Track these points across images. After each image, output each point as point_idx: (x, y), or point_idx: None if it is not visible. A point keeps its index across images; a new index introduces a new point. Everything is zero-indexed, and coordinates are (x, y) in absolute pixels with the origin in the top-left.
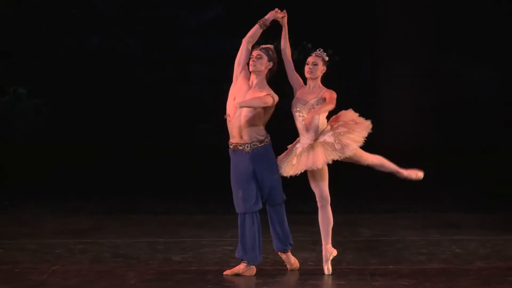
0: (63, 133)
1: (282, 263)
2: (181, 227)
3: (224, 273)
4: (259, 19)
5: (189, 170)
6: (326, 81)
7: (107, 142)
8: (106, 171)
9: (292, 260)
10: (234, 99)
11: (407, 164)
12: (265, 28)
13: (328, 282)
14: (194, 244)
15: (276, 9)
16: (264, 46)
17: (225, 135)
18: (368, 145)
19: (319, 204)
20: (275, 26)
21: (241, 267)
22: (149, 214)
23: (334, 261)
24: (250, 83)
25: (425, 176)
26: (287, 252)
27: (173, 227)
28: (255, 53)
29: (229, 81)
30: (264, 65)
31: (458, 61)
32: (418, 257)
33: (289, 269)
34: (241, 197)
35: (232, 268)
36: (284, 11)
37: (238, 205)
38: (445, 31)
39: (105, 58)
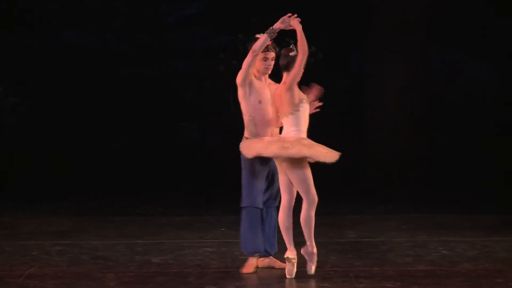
0: (41, 132)
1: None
2: (161, 229)
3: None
4: (244, 16)
5: (170, 171)
6: (314, 77)
7: (86, 142)
8: (85, 171)
9: (277, 263)
10: (260, 102)
11: (398, 163)
12: (274, 37)
13: (312, 284)
14: (174, 245)
15: (289, 14)
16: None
17: (207, 134)
18: (357, 143)
19: None
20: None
21: (254, 261)
22: (128, 215)
23: (318, 263)
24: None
25: (413, 176)
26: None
27: (153, 228)
28: (271, 55)
29: (210, 78)
30: None
31: (452, 58)
32: (404, 259)
33: (277, 267)
34: (256, 192)
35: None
36: (295, 15)
37: (252, 200)
38: (439, 26)
39: (83, 54)
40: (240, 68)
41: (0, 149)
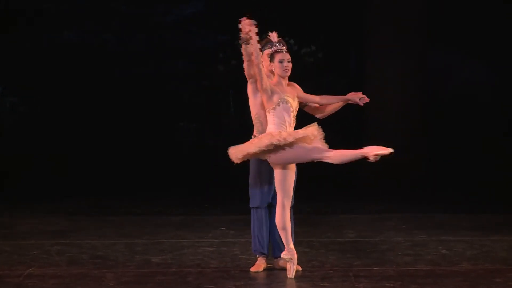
0: (41, 132)
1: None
2: (160, 228)
3: (252, 269)
4: (243, 15)
5: (168, 170)
6: (314, 76)
7: (85, 141)
8: (84, 171)
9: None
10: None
11: (397, 163)
12: (249, 42)
13: (311, 284)
14: (174, 245)
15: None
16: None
17: (206, 134)
18: (355, 143)
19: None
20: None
21: (263, 261)
22: (127, 215)
23: (318, 262)
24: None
25: (413, 176)
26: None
27: (152, 228)
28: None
29: (209, 78)
30: None
31: (452, 58)
32: (403, 258)
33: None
34: (266, 191)
35: (254, 265)
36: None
37: (260, 200)
38: (437, 25)
39: (82, 54)
40: (239, 68)
41: (0, 149)
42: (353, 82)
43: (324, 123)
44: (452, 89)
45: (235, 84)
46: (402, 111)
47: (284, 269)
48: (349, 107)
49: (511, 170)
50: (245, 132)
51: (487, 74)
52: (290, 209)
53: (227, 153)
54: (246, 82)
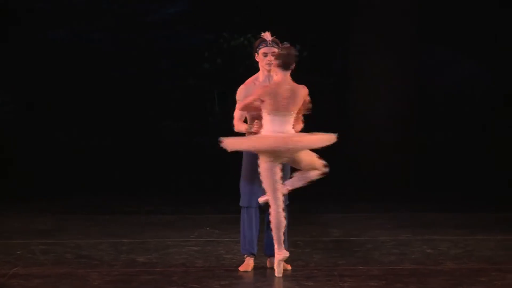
0: (25, 130)
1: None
2: (145, 227)
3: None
4: (228, 14)
5: (154, 169)
6: (299, 76)
7: (71, 140)
8: (69, 170)
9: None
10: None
11: (383, 163)
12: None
13: (295, 283)
14: (159, 244)
15: None
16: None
17: (192, 133)
18: (343, 143)
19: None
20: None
21: (251, 261)
22: (112, 214)
23: (302, 262)
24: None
25: (400, 176)
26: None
27: (137, 227)
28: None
29: (195, 76)
30: None
31: (440, 55)
32: (388, 257)
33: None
34: (253, 192)
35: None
36: None
37: (250, 199)
38: (426, 22)
39: (71, 53)
40: (224, 66)
41: None
42: (340, 81)
43: (311, 122)
44: (445, 88)
45: (220, 83)
46: (394, 110)
47: (271, 268)
48: (339, 106)
49: (503, 170)
50: (231, 130)
51: (480, 72)
52: (284, 208)
53: (215, 150)
54: (231, 81)
